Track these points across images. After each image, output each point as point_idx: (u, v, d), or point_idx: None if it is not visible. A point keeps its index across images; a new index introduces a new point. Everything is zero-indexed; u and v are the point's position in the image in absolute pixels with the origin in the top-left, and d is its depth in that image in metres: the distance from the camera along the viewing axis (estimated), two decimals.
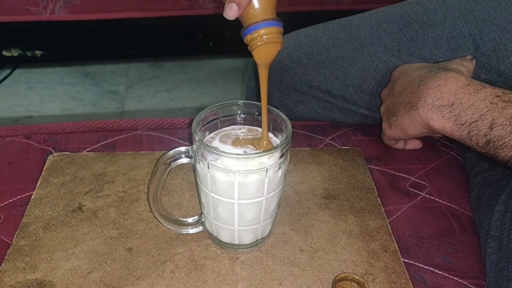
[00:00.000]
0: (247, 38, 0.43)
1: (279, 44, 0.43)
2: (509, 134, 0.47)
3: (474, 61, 0.60)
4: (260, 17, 0.42)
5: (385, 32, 0.65)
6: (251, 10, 0.42)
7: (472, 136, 0.50)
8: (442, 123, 0.53)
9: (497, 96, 0.49)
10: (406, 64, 0.63)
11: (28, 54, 1.60)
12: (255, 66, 0.77)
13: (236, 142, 0.47)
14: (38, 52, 1.60)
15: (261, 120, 0.47)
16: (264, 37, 0.42)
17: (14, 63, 1.81)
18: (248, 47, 0.44)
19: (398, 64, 0.64)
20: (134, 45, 1.72)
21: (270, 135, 0.48)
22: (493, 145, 0.48)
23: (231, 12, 0.41)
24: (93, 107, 1.67)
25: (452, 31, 0.61)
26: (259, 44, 0.42)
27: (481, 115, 0.49)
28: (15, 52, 1.59)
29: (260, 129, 0.48)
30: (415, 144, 0.66)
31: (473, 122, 0.50)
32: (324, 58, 0.69)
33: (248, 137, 0.48)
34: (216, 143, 0.47)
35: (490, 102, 0.49)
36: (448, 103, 0.52)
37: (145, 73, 1.86)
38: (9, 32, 1.54)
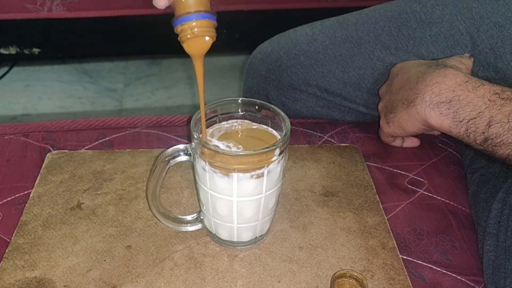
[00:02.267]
0: (177, 29, 0.42)
1: (210, 37, 0.42)
2: (507, 132, 0.47)
3: (472, 59, 0.60)
4: (192, 8, 0.40)
5: (382, 30, 0.65)
6: (183, 0, 0.40)
7: (470, 133, 0.50)
8: (440, 120, 0.53)
9: (496, 94, 0.49)
10: (404, 61, 0.64)
11: (26, 51, 1.59)
12: (252, 65, 0.78)
13: (223, 137, 0.47)
14: (35, 50, 1.60)
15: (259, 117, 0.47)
16: (195, 29, 0.41)
17: (12, 61, 1.81)
18: (178, 38, 0.42)
19: (396, 62, 0.64)
20: (132, 42, 1.72)
21: (270, 129, 0.48)
22: (491, 143, 0.49)
23: (161, 1, 0.40)
24: (91, 105, 1.66)
25: (450, 28, 0.61)
26: (189, 36, 0.41)
27: (479, 112, 0.49)
28: (12, 50, 1.58)
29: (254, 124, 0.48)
30: (413, 142, 0.66)
31: (471, 119, 0.50)
32: (322, 56, 0.69)
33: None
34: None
35: (489, 100, 0.49)
36: (446, 100, 0.52)
37: (143, 71, 1.86)
38: (7, 29, 1.54)
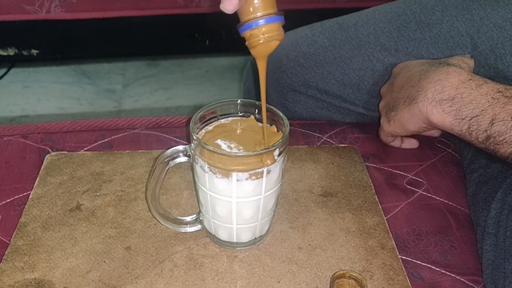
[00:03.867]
0: (246, 34, 0.41)
1: (280, 40, 0.41)
2: (510, 130, 0.47)
3: (473, 60, 0.60)
4: (261, 12, 0.39)
5: (382, 31, 0.65)
6: (251, 3, 0.39)
7: (472, 131, 0.50)
8: (442, 117, 0.52)
9: (499, 92, 0.49)
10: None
11: (24, 53, 1.59)
12: (254, 65, 0.78)
13: (226, 136, 0.47)
14: (34, 51, 1.60)
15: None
16: (265, 35, 0.40)
17: (10, 62, 1.81)
18: (247, 43, 0.42)
19: (396, 63, 0.64)
20: (131, 43, 1.72)
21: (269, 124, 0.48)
22: (493, 141, 0.49)
23: (229, 5, 0.39)
24: (90, 106, 1.66)
25: (450, 30, 0.61)
26: (261, 42, 0.40)
27: (482, 110, 0.49)
28: (11, 51, 1.58)
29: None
30: (411, 143, 0.66)
31: (474, 117, 0.50)
32: (322, 58, 0.69)
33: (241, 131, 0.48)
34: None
35: (492, 97, 0.49)
36: (449, 97, 0.52)
37: (142, 72, 1.86)
38: (5, 31, 1.53)
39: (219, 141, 0.46)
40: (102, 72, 1.85)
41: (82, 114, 1.61)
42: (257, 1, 0.39)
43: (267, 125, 0.47)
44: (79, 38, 1.63)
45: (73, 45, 1.67)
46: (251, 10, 0.40)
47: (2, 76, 1.77)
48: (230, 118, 0.49)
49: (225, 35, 1.58)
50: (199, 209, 0.50)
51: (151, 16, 1.54)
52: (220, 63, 1.91)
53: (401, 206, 0.57)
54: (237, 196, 0.44)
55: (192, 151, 0.45)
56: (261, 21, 0.40)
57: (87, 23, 1.54)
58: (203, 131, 0.47)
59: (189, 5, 1.51)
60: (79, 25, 1.54)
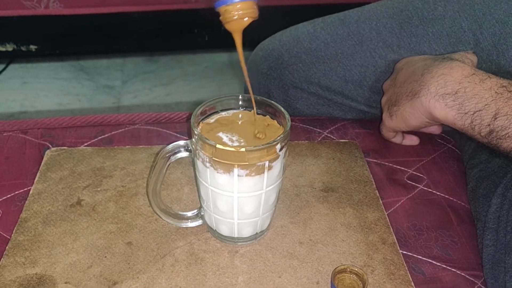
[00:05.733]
0: (221, 9, 0.43)
1: (252, 18, 0.43)
2: None
3: (476, 56, 0.60)
4: None
5: (384, 27, 0.65)
6: None
7: (475, 125, 0.50)
8: (444, 111, 0.52)
9: (503, 86, 0.49)
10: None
11: (23, 48, 1.59)
12: (254, 62, 0.77)
13: (227, 129, 0.47)
14: (32, 47, 1.60)
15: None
16: (239, 11, 0.42)
17: (9, 58, 1.80)
18: (221, 18, 0.44)
19: (398, 59, 0.64)
20: (129, 39, 1.71)
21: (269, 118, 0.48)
22: (495, 135, 0.49)
23: None
24: (89, 102, 1.66)
25: (452, 25, 0.61)
26: (235, 18, 0.43)
27: (486, 105, 0.49)
28: (9, 47, 1.58)
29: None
30: (412, 140, 0.66)
31: (477, 111, 0.50)
32: (323, 54, 0.69)
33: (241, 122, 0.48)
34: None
35: (495, 92, 0.49)
36: (452, 91, 0.52)
37: (141, 68, 1.86)
38: (4, 26, 1.53)
39: (220, 134, 0.45)
40: (101, 68, 1.85)
41: (81, 110, 1.61)
42: None
43: (261, 115, 0.48)
44: (78, 33, 1.62)
45: (72, 40, 1.66)
46: None
47: (1, 72, 1.76)
48: (231, 111, 0.49)
49: (225, 31, 1.58)
50: (200, 204, 0.50)
51: (150, 11, 1.54)
52: (220, 59, 1.90)
53: (401, 201, 0.57)
54: (239, 191, 0.44)
55: (193, 146, 0.44)
56: None
57: (86, 18, 1.53)
58: (204, 123, 0.47)
59: (188, 1, 1.51)
60: (77, 21, 1.54)
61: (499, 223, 0.51)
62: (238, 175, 0.42)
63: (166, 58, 1.91)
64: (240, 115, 0.49)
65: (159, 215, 0.49)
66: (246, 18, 0.43)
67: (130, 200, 0.54)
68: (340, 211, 0.54)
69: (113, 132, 0.66)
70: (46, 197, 0.54)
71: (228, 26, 0.44)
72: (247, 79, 0.47)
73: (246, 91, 0.86)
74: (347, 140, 0.66)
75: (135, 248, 0.49)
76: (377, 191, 0.57)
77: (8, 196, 0.55)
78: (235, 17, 0.43)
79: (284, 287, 0.45)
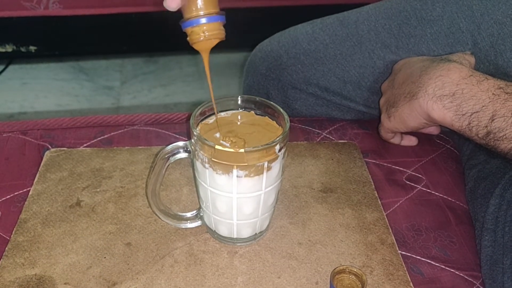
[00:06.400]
0: (188, 30, 0.43)
1: (220, 39, 0.44)
2: (510, 126, 0.47)
3: (474, 56, 0.60)
4: (203, 11, 0.42)
5: (383, 28, 0.65)
6: (193, 2, 0.41)
7: (473, 127, 0.50)
8: (442, 113, 0.53)
9: (500, 88, 0.49)
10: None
11: (22, 49, 1.59)
12: (252, 63, 0.78)
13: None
14: (32, 48, 1.60)
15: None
16: (206, 33, 0.42)
17: (8, 59, 1.80)
18: (188, 38, 0.44)
19: (396, 60, 0.64)
20: (129, 40, 1.71)
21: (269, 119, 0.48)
22: (493, 137, 0.49)
23: (172, 3, 0.41)
24: (88, 103, 1.66)
25: (450, 26, 0.61)
26: (201, 39, 0.43)
27: (483, 106, 0.49)
28: (9, 48, 1.58)
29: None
30: (411, 141, 0.66)
31: (474, 112, 0.50)
32: (322, 55, 0.69)
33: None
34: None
35: (493, 94, 0.49)
36: (450, 93, 0.52)
37: (140, 68, 1.86)
38: (3, 27, 1.53)
39: (218, 135, 0.46)
40: (100, 69, 1.85)
41: (80, 111, 1.61)
42: (200, 0, 0.42)
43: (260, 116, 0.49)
44: (77, 34, 1.62)
45: (71, 41, 1.66)
46: (193, 9, 0.42)
47: (0, 72, 1.76)
48: (230, 112, 0.49)
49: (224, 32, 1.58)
50: (199, 205, 0.50)
51: (149, 12, 1.54)
52: (219, 60, 1.90)
53: (400, 201, 0.57)
54: (238, 192, 0.44)
55: (193, 147, 0.45)
56: (203, 20, 0.42)
57: (85, 19, 1.53)
58: (203, 123, 0.48)
59: None
60: (77, 22, 1.54)
61: (497, 224, 0.51)
62: (237, 176, 0.43)
63: (165, 59, 1.91)
64: (239, 116, 0.49)
65: (158, 216, 0.49)
66: (214, 39, 0.43)
67: (129, 201, 0.54)
68: (339, 212, 0.54)
69: (112, 133, 0.66)
70: (46, 198, 0.54)
71: (195, 47, 0.44)
72: (211, 91, 0.48)
73: (245, 92, 0.87)
74: (346, 141, 0.66)
75: (135, 248, 0.49)
76: (375, 192, 0.57)
77: (8, 197, 0.55)
78: (201, 38, 0.43)
79: (283, 287, 0.45)
